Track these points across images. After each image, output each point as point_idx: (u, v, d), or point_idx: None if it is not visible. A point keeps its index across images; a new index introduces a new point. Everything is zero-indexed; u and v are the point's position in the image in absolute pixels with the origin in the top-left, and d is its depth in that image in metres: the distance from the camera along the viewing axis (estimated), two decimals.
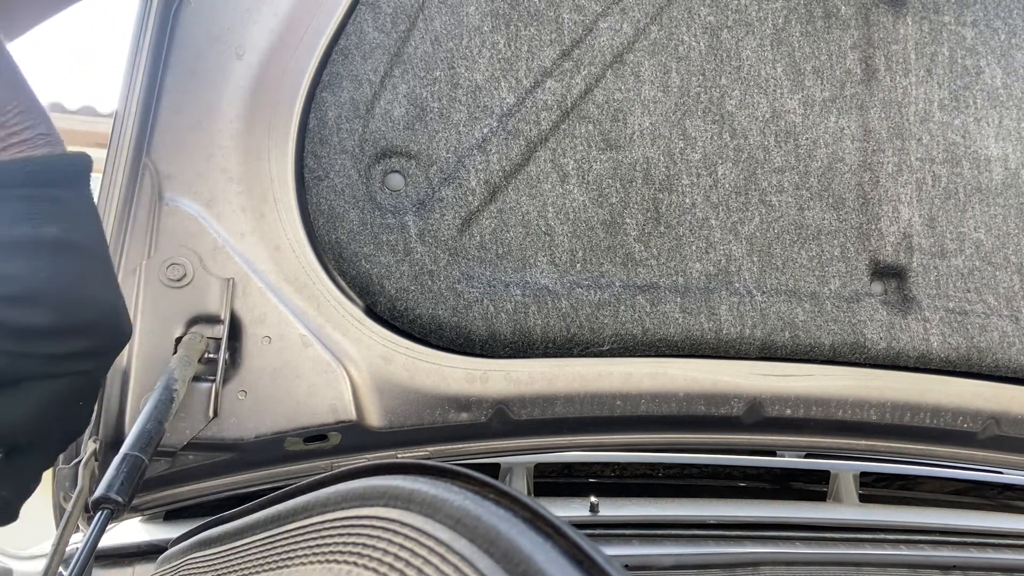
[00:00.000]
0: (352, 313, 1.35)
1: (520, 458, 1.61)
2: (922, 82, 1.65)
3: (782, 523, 1.54)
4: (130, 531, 1.41)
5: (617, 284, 1.46)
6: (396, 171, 1.38)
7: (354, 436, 1.37)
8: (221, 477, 1.36)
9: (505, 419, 1.44)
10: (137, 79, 1.26)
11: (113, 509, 0.95)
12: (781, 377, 1.56)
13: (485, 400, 1.42)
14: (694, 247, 1.50)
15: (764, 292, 1.53)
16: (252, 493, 1.29)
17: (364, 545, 0.64)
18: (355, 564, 0.63)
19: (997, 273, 1.66)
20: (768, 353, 1.54)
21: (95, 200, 0.87)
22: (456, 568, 0.55)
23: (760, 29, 1.55)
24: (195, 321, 1.28)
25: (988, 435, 1.70)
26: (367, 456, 1.40)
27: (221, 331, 1.27)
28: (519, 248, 1.42)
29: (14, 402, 0.75)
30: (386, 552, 0.61)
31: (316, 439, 1.37)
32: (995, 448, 1.74)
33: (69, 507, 1.11)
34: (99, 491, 0.95)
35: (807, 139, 1.56)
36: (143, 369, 1.26)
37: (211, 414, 1.26)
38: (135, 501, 1.31)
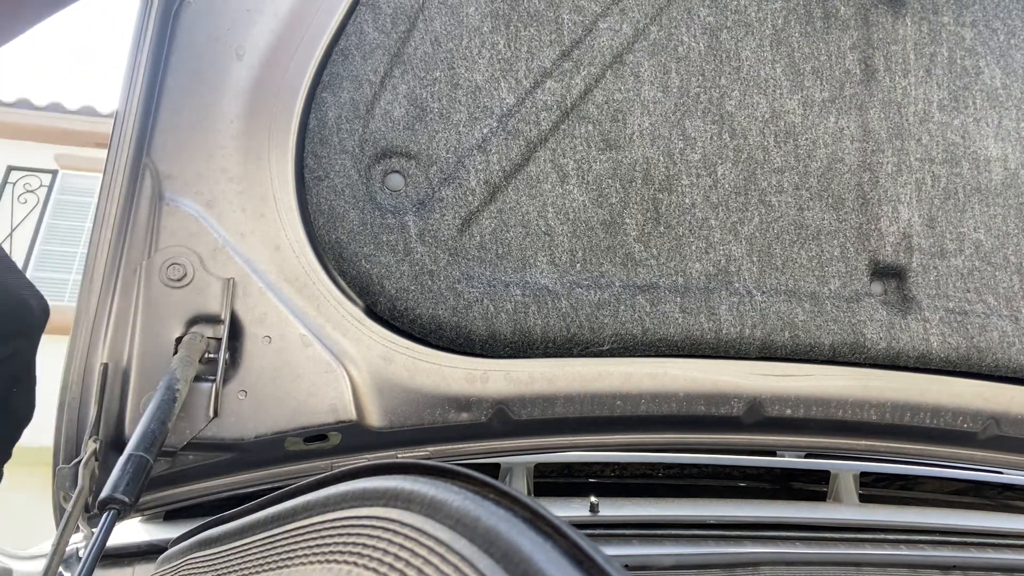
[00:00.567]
0: (352, 313, 1.35)
1: (520, 458, 1.60)
2: (921, 82, 1.65)
3: (782, 523, 1.54)
4: (130, 531, 1.41)
5: (617, 284, 1.46)
6: (396, 171, 1.38)
7: (354, 436, 1.37)
8: (221, 477, 1.36)
9: (505, 419, 1.44)
10: (137, 79, 1.26)
11: (120, 509, 0.95)
12: (781, 377, 1.56)
13: (485, 400, 1.42)
14: (694, 247, 1.50)
15: (764, 292, 1.53)
16: (252, 493, 1.29)
17: (364, 545, 0.64)
18: (355, 564, 0.63)
19: (997, 273, 1.66)
20: (768, 353, 1.54)
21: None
22: (456, 568, 0.55)
23: (760, 30, 1.55)
24: (195, 321, 1.28)
25: (988, 435, 1.70)
26: (367, 456, 1.40)
27: (221, 331, 1.27)
28: (519, 248, 1.42)
29: None
30: (386, 552, 0.61)
31: (316, 439, 1.37)
32: (995, 448, 1.74)
33: (69, 507, 1.11)
34: (105, 491, 0.96)
35: (807, 139, 1.56)
36: (143, 369, 1.26)
37: (211, 414, 1.26)
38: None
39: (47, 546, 1.16)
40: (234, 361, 1.30)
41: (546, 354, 1.43)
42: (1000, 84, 1.70)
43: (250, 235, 1.31)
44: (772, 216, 1.54)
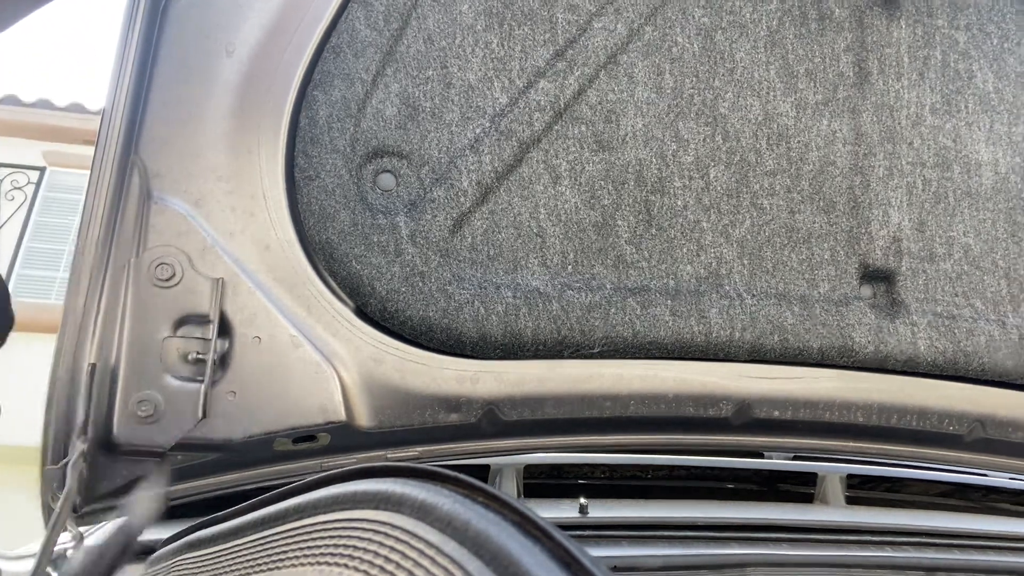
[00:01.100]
0: (342, 314, 1.34)
1: (510, 459, 1.60)
2: (914, 86, 1.66)
3: (769, 524, 1.55)
4: None
5: (608, 286, 1.46)
6: (387, 171, 1.38)
7: (344, 436, 1.37)
8: (210, 477, 1.35)
9: (495, 420, 1.44)
10: (126, 75, 1.25)
11: None
12: (770, 379, 1.56)
13: (475, 401, 1.42)
14: (685, 250, 1.50)
15: (754, 295, 1.53)
16: (241, 493, 1.29)
17: (355, 547, 0.64)
18: (346, 566, 0.63)
19: (985, 278, 1.67)
20: (757, 356, 1.54)
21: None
22: (446, 570, 0.55)
23: (754, 31, 1.56)
24: (184, 321, 1.27)
25: (974, 438, 1.71)
26: (357, 456, 1.40)
27: (210, 331, 1.26)
28: (510, 250, 1.42)
29: None
30: (377, 554, 0.61)
31: (306, 439, 1.36)
32: (980, 451, 1.75)
33: (57, 507, 1.10)
34: None
35: (799, 142, 1.57)
36: (131, 369, 1.25)
37: (200, 414, 1.26)
38: (123, 500, 1.30)
39: (35, 546, 1.15)
40: (223, 361, 1.29)
41: (536, 356, 1.43)
42: (992, 88, 1.71)
43: (239, 234, 1.30)
44: (763, 219, 1.54)
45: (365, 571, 0.62)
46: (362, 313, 1.36)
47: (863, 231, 1.60)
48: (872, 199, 1.61)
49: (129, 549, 0.94)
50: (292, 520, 0.76)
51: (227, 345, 1.29)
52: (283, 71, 1.31)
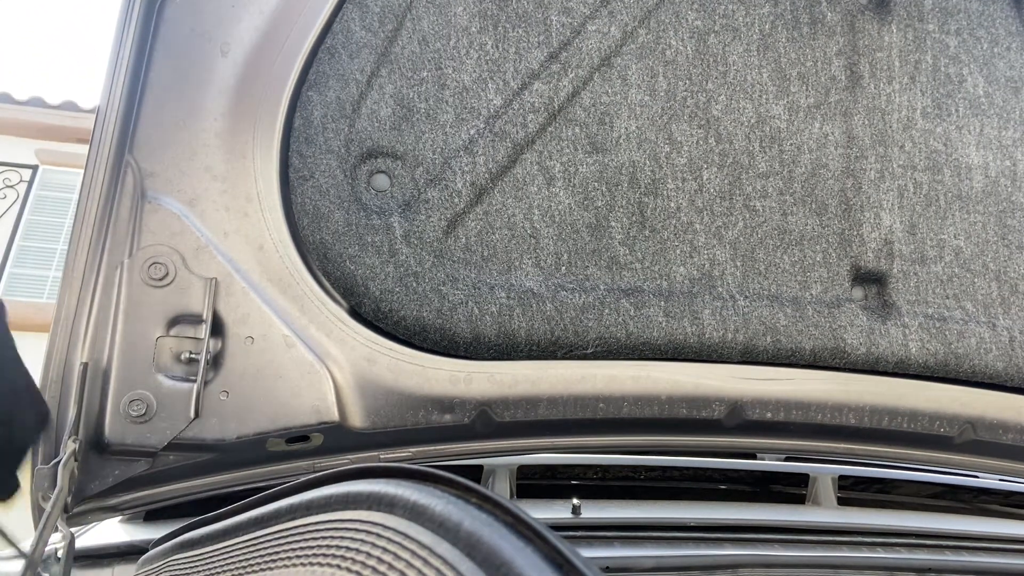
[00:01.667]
0: (336, 314, 1.34)
1: (503, 460, 1.61)
2: (905, 89, 1.67)
3: (761, 526, 1.55)
4: (109, 531, 1.40)
5: (601, 287, 1.46)
6: (382, 171, 1.38)
7: (336, 437, 1.37)
8: (202, 477, 1.35)
9: (488, 421, 1.44)
10: (120, 75, 1.25)
11: None
12: (762, 381, 1.57)
13: (469, 402, 1.42)
14: (678, 251, 1.51)
15: (747, 297, 1.54)
16: (234, 494, 1.28)
17: (348, 548, 0.64)
18: (339, 567, 0.63)
19: (976, 280, 1.68)
20: (750, 357, 1.55)
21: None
22: (438, 571, 0.55)
23: (747, 34, 1.56)
24: (177, 321, 1.27)
25: (964, 439, 1.72)
26: (349, 457, 1.40)
27: (203, 331, 1.26)
28: (504, 250, 1.42)
29: None
30: (369, 555, 0.61)
31: (298, 440, 1.36)
32: (971, 452, 1.76)
33: (48, 507, 1.10)
34: None
35: (791, 145, 1.58)
36: (123, 369, 1.25)
37: (192, 414, 1.25)
38: (114, 501, 1.30)
39: (26, 546, 1.14)
40: (216, 361, 1.29)
41: (530, 356, 1.43)
42: (983, 92, 1.72)
43: (233, 234, 1.30)
44: (756, 221, 1.55)
45: (358, 572, 0.62)
46: (356, 313, 1.36)
47: (855, 233, 1.61)
48: (864, 202, 1.62)
49: None
50: (285, 521, 0.76)
51: (220, 345, 1.29)
52: (278, 72, 1.31)
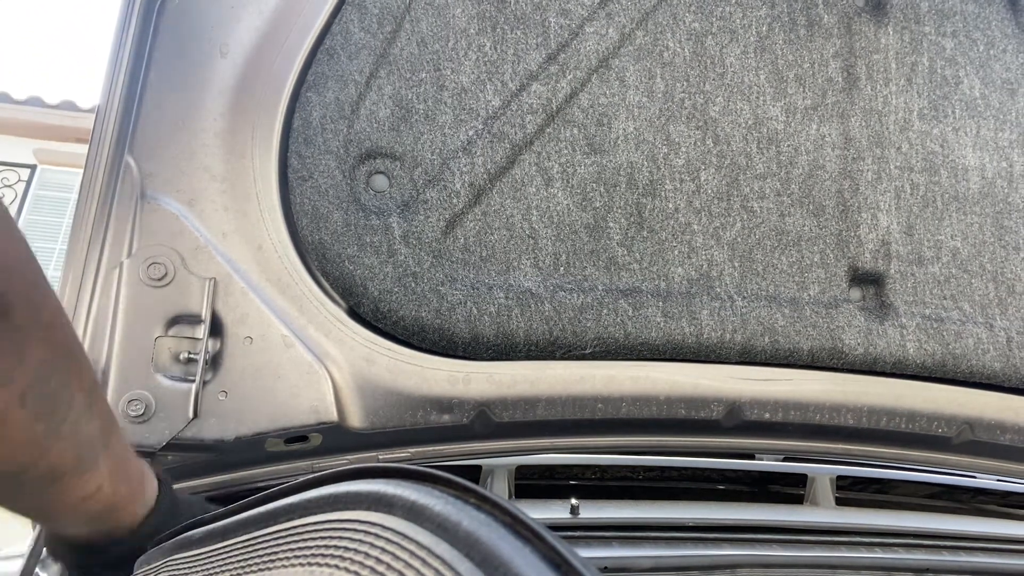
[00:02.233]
0: (335, 314, 1.34)
1: (502, 460, 1.61)
2: (902, 91, 1.67)
3: (760, 526, 1.55)
4: None
5: (600, 288, 1.46)
6: (381, 172, 1.38)
7: (335, 437, 1.37)
8: (201, 478, 1.35)
9: (487, 421, 1.44)
10: (120, 75, 1.25)
11: None
12: (760, 381, 1.57)
13: (467, 402, 1.42)
14: (676, 252, 1.51)
15: (745, 297, 1.54)
16: (232, 494, 1.29)
17: (346, 548, 0.64)
18: (337, 567, 0.64)
19: (973, 281, 1.69)
20: (748, 358, 1.55)
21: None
22: (437, 572, 0.55)
23: (744, 36, 1.57)
24: (176, 321, 1.27)
25: (962, 440, 1.73)
26: (348, 457, 1.40)
27: (202, 331, 1.26)
28: (503, 251, 1.42)
29: None
30: (367, 555, 0.62)
31: (297, 440, 1.36)
32: (968, 452, 1.77)
33: None
34: None
35: (789, 146, 1.58)
36: (122, 369, 1.25)
37: (191, 414, 1.26)
38: None
39: (24, 546, 1.14)
40: (215, 361, 1.29)
41: (528, 357, 1.44)
42: (979, 94, 1.73)
43: (232, 235, 1.30)
44: (754, 222, 1.55)
45: (356, 572, 0.62)
46: (354, 314, 1.37)
47: (852, 234, 1.61)
48: (861, 203, 1.62)
49: None
50: (283, 521, 0.76)
51: (219, 345, 1.29)
52: (277, 72, 1.32)
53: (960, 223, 1.68)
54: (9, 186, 9.33)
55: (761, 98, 1.57)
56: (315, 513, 0.71)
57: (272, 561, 0.73)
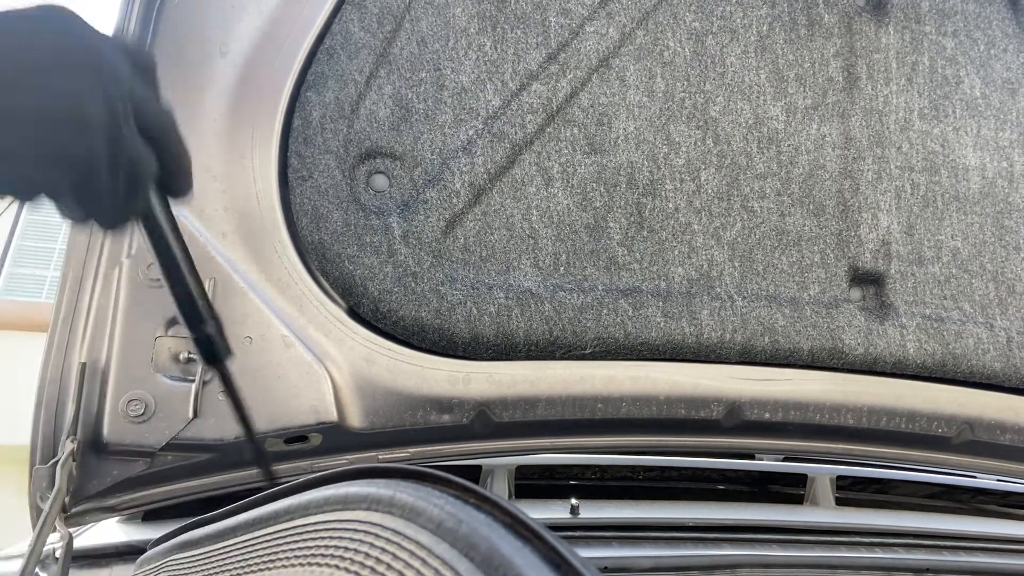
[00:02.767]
0: (335, 314, 1.34)
1: (502, 460, 1.61)
2: (903, 91, 1.67)
3: (760, 526, 1.55)
4: (108, 532, 1.40)
5: (600, 288, 1.46)
6: (381, 172, 1.38)
7: (335, 437, 1.37)
8: (200, 478, 1.35)
9: (487, 421, 1.44)
10: None
11: None
12: (760, 381, 1.57)
13: (467, 402, 1.42)
14: (676, 252, 1.51)
15: (745, 297, 1.54)
16: (232, 494, 1.28)
17: (346, 548, 0.64)
18: (337, 567, 0.64)
19: (973, 281, 1.69)
20: (748, 358, 1.55)
21: None
22: (436, 571, 0.55)
23: (745, 36, 1.57)
24: (175, 321, 1.27)
25: (962, 440, 1.73)
26: (348, 457, 1.40)
27: None
28: (503, 251, 1.42)
29: None
30: (367, 555, 0.62)
31: (297, 440, 1.36)
32: (968, 453, 1.77)
33: (46, 507, 1.10)
34: None
35: (789, 146, 1.58)
36: (122, 368, 1.25)
37: (191, 415, 1.25)
38: (112, 501, 1.30)
39: (24, 546, 1.14)
40: None
41: (528, 357, 1.44)
42: (979, 94, 1.73)
43: (232, 235, 1.30)
44: (754, 222, 1.55)
45: (356, 572, 0.62)
46: (354, 313, 1.37)
47: (852, 234, 1.61)
48: (861, 203, 1.62)
49: None
50: (283, 521, 0.76)
51: None
52: (277, 72, 1.31)
53: (960, 223, 1.68)
54: None
55: (761, 98, 1.57)
56: (315, 513, 0.71)
57: (272, 561, 0.73)
